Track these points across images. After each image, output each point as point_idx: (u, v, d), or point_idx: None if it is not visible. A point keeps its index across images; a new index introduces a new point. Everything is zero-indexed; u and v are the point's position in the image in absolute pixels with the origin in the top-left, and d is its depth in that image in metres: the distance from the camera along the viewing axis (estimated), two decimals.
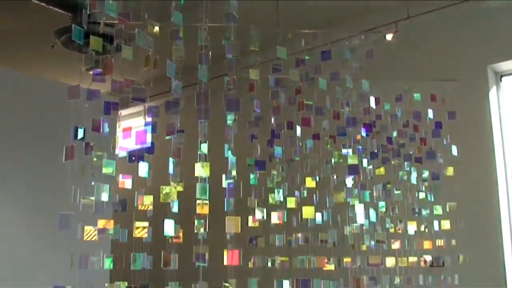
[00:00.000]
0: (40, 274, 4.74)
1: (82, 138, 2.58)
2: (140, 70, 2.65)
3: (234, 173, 2.89)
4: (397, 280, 3.71)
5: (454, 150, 4.00)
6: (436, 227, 3.86)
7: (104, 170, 2.67)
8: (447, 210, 3.90)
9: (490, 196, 4.57)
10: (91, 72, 2.62)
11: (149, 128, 2.83)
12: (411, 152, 3.91)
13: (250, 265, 3.35)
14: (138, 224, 2.62)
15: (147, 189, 2.80)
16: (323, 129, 3.62)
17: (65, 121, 2.59)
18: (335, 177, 3.63)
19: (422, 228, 3.90)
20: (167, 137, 2.72)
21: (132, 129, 2.75)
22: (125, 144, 2.87)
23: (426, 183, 3.95)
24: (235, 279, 2.86)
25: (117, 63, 2.59)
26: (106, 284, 2.93)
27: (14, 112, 4.96)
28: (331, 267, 3.46)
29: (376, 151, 3.69)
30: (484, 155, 4.67)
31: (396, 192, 3.90)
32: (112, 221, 2.61)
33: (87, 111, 2.56)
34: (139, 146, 2.74)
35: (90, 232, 2.58)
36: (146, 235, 2.62)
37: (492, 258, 4.47)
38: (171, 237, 2.69)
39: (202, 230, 2.64)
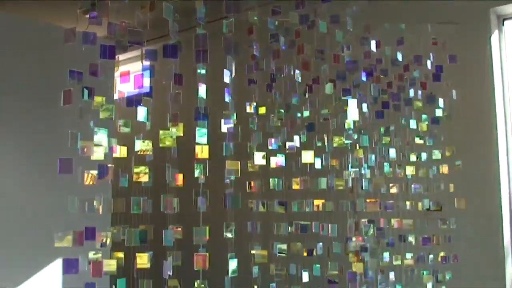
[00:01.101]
0: (40, 219, 4.78)
1: (80, 83, 2.55)
2: (136, 12, 2.60)
3: (233, 117, 2.89)
4: (393, 223, 3.76)
5: (454, 94, 3.98)
6: (434, 171, 3.88)
7: (102, 115, 2.65)
8: (446, 154, 3.91)
9: (489, 140, 4.58)
10: (87, 16, 2.57)
11: (146, 72, 2.79)
12: (411, 96, 3.88)
13: (250, 205, 3.38)
14: (137, 169, 2.62)
15: (146, 134, 2.79)
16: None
17: (63, 64, 2.55)
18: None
19: (421, 173, 3.91)
20: None
21: (131, 73, 2.72)
22: (123, 89, 2.85)
23: (425, 125, 3.93)
24: (234, 222, 2.90)
25: (114, 5, 2.54)
26: None
27: (11, 55, 4.90)
28: (329, 210, 3.49)
29: (376, 95, 3.66)
30: (485, 100, 4.65)
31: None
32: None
33: (84, 55, 2.52)
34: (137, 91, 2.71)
35: (89, 177, 2.58)
36: (146, 180, 2.62)
37: (490, 201, 4.52)
38: None
39: (201, 174, 2.66)
